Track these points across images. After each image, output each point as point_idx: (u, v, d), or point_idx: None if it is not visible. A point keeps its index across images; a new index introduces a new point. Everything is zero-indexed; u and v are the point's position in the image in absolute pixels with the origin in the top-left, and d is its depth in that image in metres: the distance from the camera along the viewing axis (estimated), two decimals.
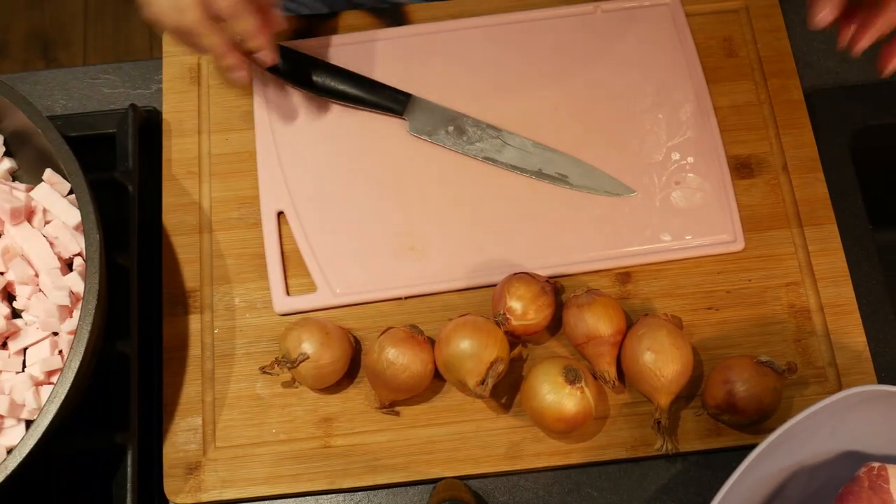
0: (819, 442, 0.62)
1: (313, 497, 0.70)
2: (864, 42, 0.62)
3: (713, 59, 0.81)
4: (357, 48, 0.81)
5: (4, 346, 0.69)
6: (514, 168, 0.76)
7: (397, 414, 0.71)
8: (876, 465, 0.58)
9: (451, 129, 0.77)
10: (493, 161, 0.77)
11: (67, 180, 0.72)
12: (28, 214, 0.72)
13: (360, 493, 0.70)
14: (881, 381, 0.71)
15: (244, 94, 0.80)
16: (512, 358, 0.69)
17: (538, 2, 0.83)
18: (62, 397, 0.61)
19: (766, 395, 0.66)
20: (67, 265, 0.72)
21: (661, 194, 0.76)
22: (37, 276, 0.70)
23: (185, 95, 0.81)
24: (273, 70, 0.77)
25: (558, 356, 0.70)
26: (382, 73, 0.80)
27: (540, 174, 0.76)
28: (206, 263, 0.76)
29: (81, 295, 0.66)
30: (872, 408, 0.59)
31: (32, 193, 0.72)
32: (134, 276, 0.72)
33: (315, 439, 0.70)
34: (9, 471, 0.59)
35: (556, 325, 0.72)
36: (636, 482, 0.70)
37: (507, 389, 0.71)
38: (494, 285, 0.73)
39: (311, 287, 0.74)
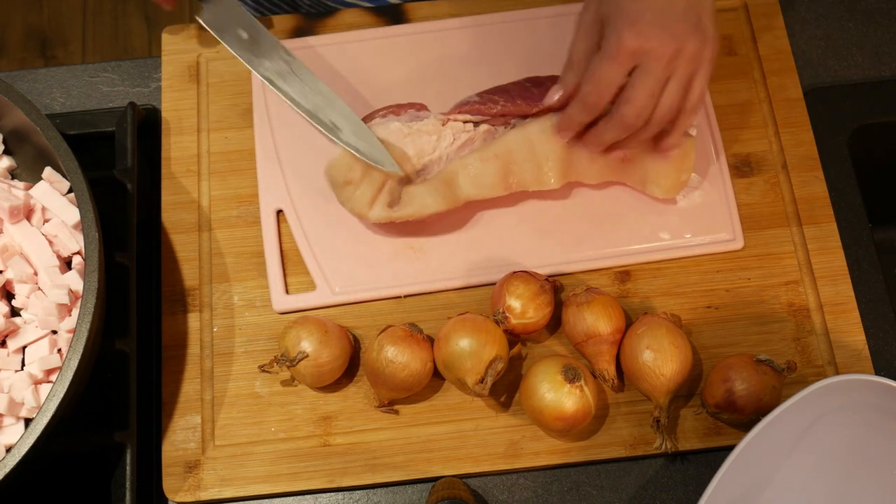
0: (810, 431, 0.62)
1: (312, 495, 0.70)
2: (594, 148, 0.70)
3: None
4: (356, 46, 0.81)
5: (3, 344, 0.69)
6: (291, 100, 0.74)
7: (396, 412, 0.71)
8: None
9: (245, 35, 0.74)
10: (273, 85, 0.74)
11: (66, 178, 0.71)
12: (27, 213, 0.72)
13: (359, 491, 0.70)
14: None
15: (243, 92, 0.80)
16: (511, 356, 0.69)
17: (537, 1, 0.83)
18: (61, 395, 0.61)
19: (765, 394, 0.66)
20: (66, 263, 0.71)
21: None
22: (36, 274, 0.70)
23: (184, 93, 0.81)
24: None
25: (557, 355, 0.70)
26: (380, 72, 0.80)
27: (314, 116, 0.74)
28: (205, 262, 0.76)
29: (80, 293, 0.66)
30: (865, 398, 0.59)
31: (31, 192, 0.72)
32: (133, 275, 0.72)
33: (314, 438, 0.70)
34: (8, 469, 0.59)
35: (555, 323, 0.72)
36: (635, 481, 0.70)
37: (506, 388, 0.71)
38: (493, 284, 0.73)
39: (310, 285, 0.74)
